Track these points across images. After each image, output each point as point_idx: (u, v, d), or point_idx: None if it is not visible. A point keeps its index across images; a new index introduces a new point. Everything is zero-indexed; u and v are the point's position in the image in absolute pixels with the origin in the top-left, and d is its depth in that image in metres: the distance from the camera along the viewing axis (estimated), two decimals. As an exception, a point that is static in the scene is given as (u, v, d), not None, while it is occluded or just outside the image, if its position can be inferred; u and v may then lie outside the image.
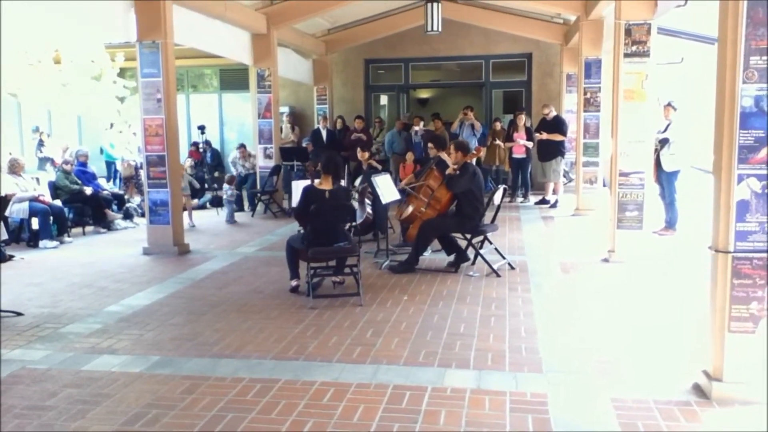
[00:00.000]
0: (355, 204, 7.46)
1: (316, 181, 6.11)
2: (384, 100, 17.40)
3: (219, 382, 4.01)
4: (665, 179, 8.70)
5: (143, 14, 7.80)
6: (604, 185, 11.23)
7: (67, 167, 9.95)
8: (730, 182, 3.51)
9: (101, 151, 14.16)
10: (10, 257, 7.84)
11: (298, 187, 6.58)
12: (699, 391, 3.72)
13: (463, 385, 3.90)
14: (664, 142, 8.58)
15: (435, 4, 11.56)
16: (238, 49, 10.87)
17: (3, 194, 7.27)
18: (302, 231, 6.35)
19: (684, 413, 3.47)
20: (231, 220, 10.60)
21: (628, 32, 7.07)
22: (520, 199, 12.52)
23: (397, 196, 7.31)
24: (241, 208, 11.53)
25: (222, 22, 9.97)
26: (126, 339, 4.86)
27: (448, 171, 6.97)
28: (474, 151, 7.33)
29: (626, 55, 7.12)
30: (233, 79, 16.33)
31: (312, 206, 5.74)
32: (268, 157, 11.75)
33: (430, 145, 7.89)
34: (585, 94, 10.79)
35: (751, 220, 3.50)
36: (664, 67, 11.96)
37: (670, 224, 8.78)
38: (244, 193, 12.14)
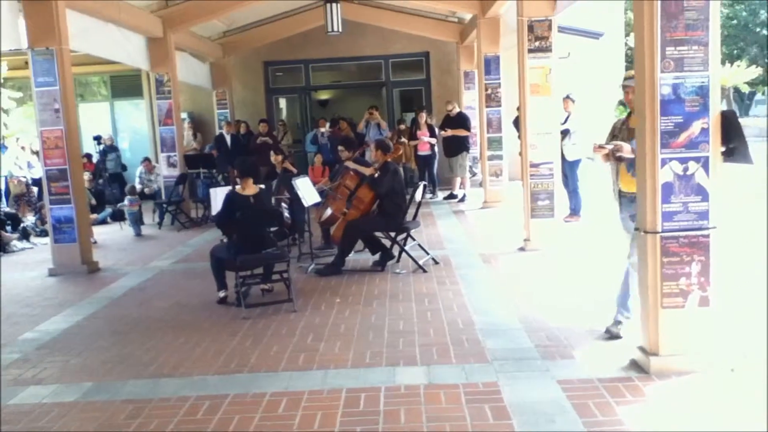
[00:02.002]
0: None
1: (237, 186, 5.95)
2: (283, 102, 17.22)
3: (164, 404, 3.83)
4: (568, 168, 9.11)
5: (34, 19, 7.29)
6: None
7: (-48, 188, 9.19)
8: (654, 166, 3.73)
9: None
10: None
11: (217, 194, 6.40)
12: (637, 366, 3.94)
13: (415, 381, 3.93)
14: (564, 133, 8.98)
15: (335, 5, 11.57)
16: (134, 54, 10.41)
17: None
18: (225, 240, 6.18)
19: (629, 389, 3.66)
20: (137, 233, 10.18)
21: (530, 29, 7.35)
22: (429, 195, 12.73)
23: (318, 198, 7.26)
24: (140, 221, 11.01)
25: (116, 27, 9.51)
26: (51, 367, 4.55)
27: (369, 172, 7.00)
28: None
29: (530, 51, 7.40)
30: (125, 86, 15.67)
31: (238, 213, 5.60)
32: (172, 165, 11.31)
33: (340, 147, 7.88)
34: (486, 90, 11.11)
35: (675, 201, 3.74)
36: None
37: (575, 211, 9.23)
38: (143, 205, 11.61)
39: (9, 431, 3.60)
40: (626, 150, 4.13)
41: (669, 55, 3.67)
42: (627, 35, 19.15)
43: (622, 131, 4.44)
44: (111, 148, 13.79)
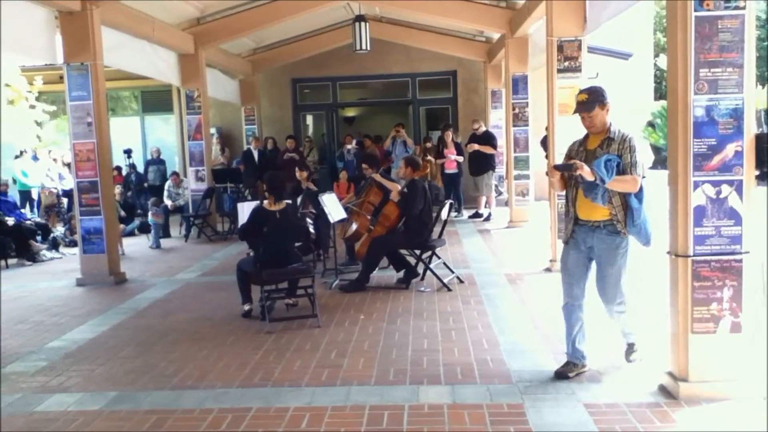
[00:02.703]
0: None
1: (265, 202, 5.98)
2: (309, 119, 17.35)
3: (187, 415, 3.84)
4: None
5: (70, 35, 7.48)
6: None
7: (-15, 197, 9.40)
8: (686, 189, 3.68)
9: (14, 180, 13.45)
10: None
11: (244, 208, 6.45)
12: (665, 391, 3.86)
13: (439, 401, 3.89)
14: (592, 154, 8.91)
15: (363, 23, 11.65)
16: (165, 69, 10.60)
17: None
18: (252, 254, 6.21)
19: (656, 414, 3.58)
20: (156, 245, 10.28)
21: (560, 48, 7.33)
22: (453, 214, 12.69)
23: (344, 214, 7.28)
24: (166, 234, 11.12)
25: (149, 43, 9.71)
26: (77, 375, 4.60)
27: (394, 191, 7.01)
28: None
29: (559, 71, 7.38)
30: (156, 100, 15.92)
31: (264, 229, 5.63)
32: (200, 179, 11.45)
33: (364, 165, 7.90)
34: (513, 109, 11.10)
35: (707, 225, 3.68)
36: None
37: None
38: (171, 218, 11.74)
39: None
40: (586, 171, 3.78)
41: (703, 76, 3.63)
42: (656, 56, 19.02)
43: (579, 153, 4.07)
44: (156, 161, 14.03)
